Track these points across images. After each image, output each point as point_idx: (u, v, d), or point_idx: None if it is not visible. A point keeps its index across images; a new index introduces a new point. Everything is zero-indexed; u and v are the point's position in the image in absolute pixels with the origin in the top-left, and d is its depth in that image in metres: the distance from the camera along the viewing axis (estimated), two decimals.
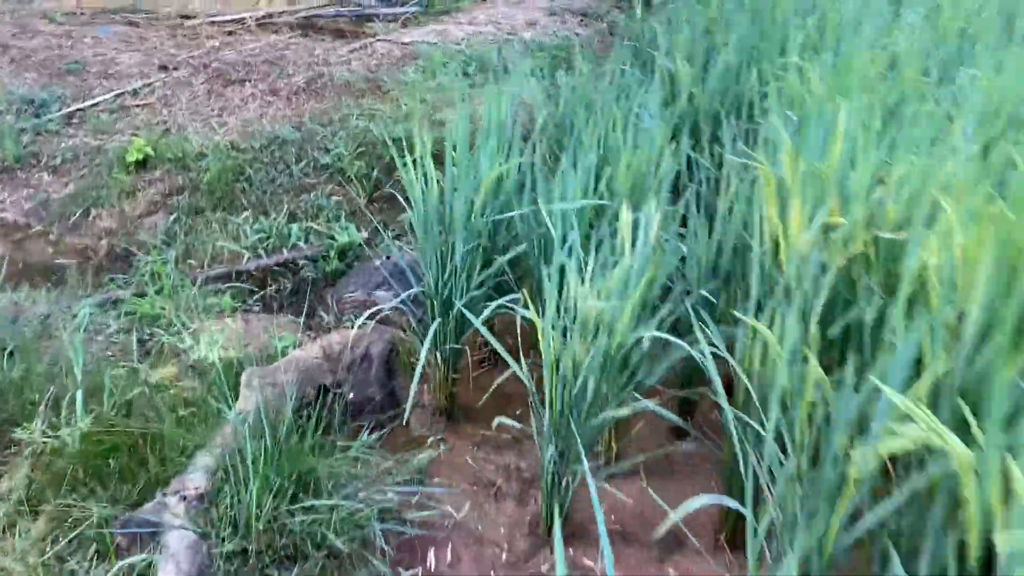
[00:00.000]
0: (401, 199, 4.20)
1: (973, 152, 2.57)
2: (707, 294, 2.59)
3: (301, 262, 3.85)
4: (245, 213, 4.17)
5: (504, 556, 2.43)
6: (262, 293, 3.73)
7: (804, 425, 1.84)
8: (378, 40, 6.26)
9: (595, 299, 2.11)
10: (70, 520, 2.14)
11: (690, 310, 2.45)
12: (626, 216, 2.36)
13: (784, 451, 1.91)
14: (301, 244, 3.95)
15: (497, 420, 2.40)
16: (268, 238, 3.97)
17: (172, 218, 4.21)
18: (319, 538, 2.14)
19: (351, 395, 2.93)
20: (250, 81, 5.60)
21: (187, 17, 7.15)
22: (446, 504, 2.56)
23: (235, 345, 2.67)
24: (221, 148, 4.47)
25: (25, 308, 3.26)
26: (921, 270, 2.03)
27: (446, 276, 2.74)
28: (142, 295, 3.46)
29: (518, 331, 2.69)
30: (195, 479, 2.22)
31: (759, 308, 2.26)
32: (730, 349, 2.31)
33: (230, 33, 6.83)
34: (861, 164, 2.33)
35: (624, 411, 2.15)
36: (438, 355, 2.86)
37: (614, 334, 2.08)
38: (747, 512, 1.86)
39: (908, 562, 1.72)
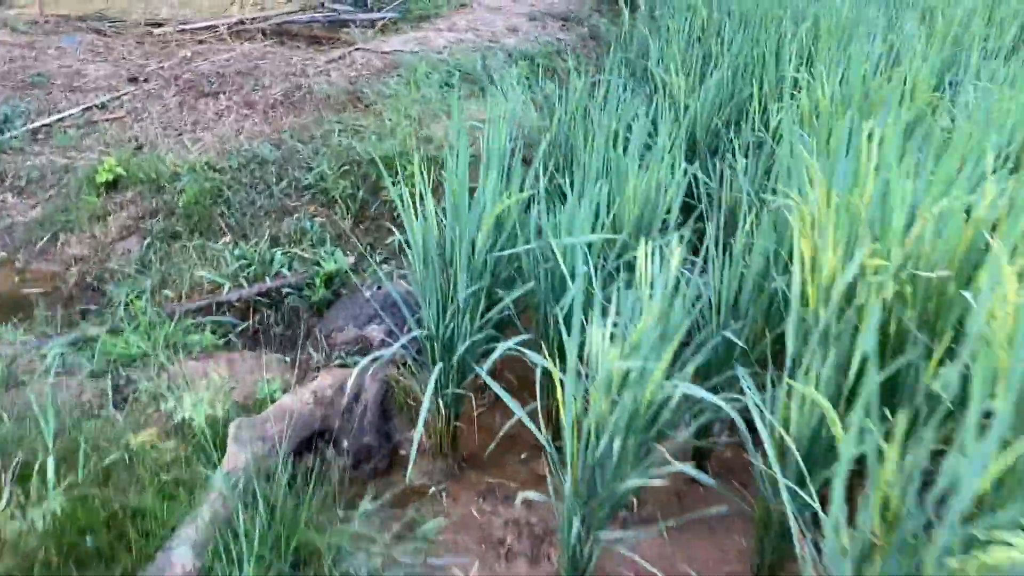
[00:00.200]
0: (390, 223, 4.05)
1: (1006, 177, 2.43)
2: (732, 336, 2.42)
3: (285, 291, 3.64)
4: (224, 238, 3.95)
5: None
6: (245, 326, 3.52)
7: (876, 517, 1.64)
8: (357, 49, 6.04)
9: (619, 353, 1.93)
10: None
11: (715, 351, 2.28)
12: (644, 256, 2.18)
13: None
14: (285, 271, 3.73)
15: (521, 496, 2.19)
16: (249, 265, 3.75)
17: (146, 244, 3.98)
18: None
19: (346, 443, 2.74)
20: (224, 93, 5.36)
21: (156, 25, 6.88)
22: (453, 568, 2.37)
23: (221, 398, 2.46)
24: (197, 168, 4.24)
25: None
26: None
27: (447, 318, 2.55)
28: (117, 332, 3.24)
29: (518, 363, 2.52)
30: (181, 556, 2.02)
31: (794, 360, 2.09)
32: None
33: (201, 42, 6.57)
34: (897, 197, 2.17)
35: (657, 480, 1.97)
36: (440, 401, 2.67)
37: (643, 393, 1.90)
38: None
39: None
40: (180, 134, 4.86)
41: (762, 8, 5.55)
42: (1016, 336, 1.61)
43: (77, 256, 4.11)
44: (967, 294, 2.04)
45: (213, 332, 3.35)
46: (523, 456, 2.87)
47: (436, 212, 2.65)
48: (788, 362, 2.08)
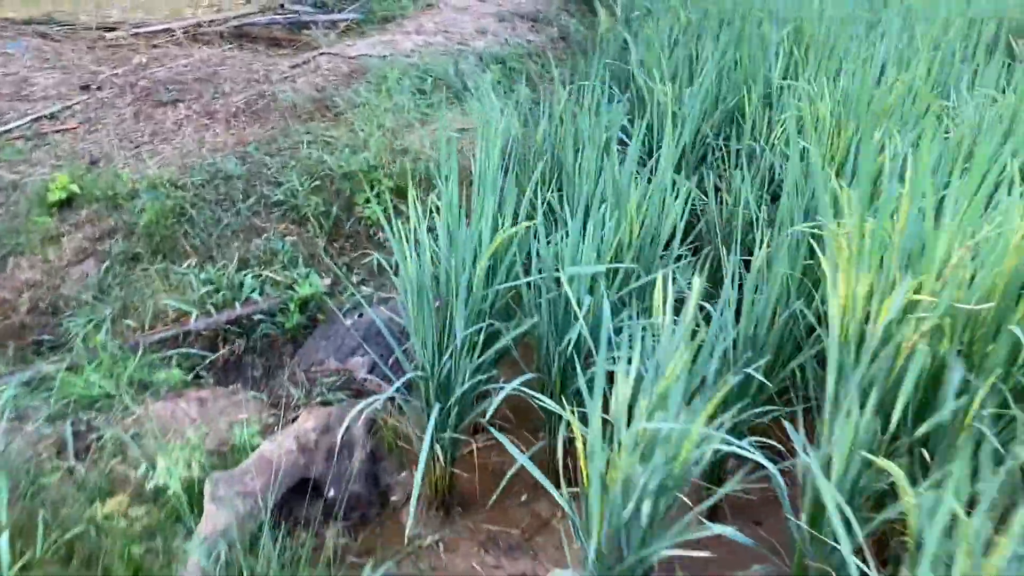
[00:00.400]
0: (366, 241, 3.83)
1: None
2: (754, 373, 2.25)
3: (257, 317, 3.40)
4: (189, 261, 3.69)
5: None
6: (215, 357, 3.27)
7: None
8: (322, 54, 5.78)
9: (646, 406, 1.74)
10: None
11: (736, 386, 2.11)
12: (662, 294, 2.00)
13: None
14: (256, 296, 3.48)
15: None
16: (217, 290, 3.49)
17: (104, 267, 3.70)
18: None
19: (332, 492, 2.53)
20: (183, 102, 5.08)
21: (108, 29, 6.54)
22: None
23: (196, 456, 2.23)
24: (157, 184, 3.97)
25: None
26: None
27: (443, 358, 2.34)
28: (76, 369, 2.98)
29: (512, 395, 2.33)
30: None
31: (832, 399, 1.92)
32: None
33: (156, 46, 6.26)
34: (931, 225, 2.02)
35: (700, 552, 1.79)
36: (437, 446, 2.46)
37: (678, 451, 1.72)
38: None
39: None
40: (137, 147, 4.57)
41: (742, 8, 5.40)
42: None
43: (29, 281, 3.81)
44: (1016, 329, 1.89)
45: (179, 366, 3.11)
46: (523, 498, 2.68)
47: (429, 243, 2.44)
48: (827, 405, 1.91)
